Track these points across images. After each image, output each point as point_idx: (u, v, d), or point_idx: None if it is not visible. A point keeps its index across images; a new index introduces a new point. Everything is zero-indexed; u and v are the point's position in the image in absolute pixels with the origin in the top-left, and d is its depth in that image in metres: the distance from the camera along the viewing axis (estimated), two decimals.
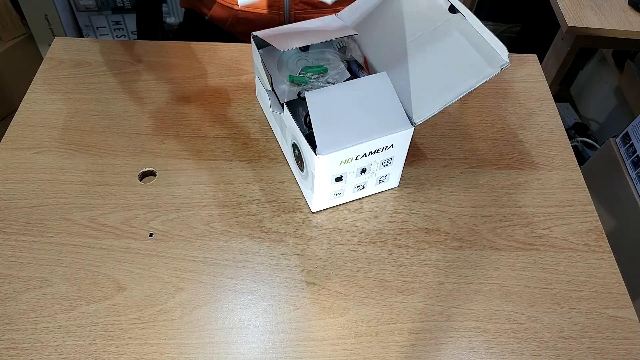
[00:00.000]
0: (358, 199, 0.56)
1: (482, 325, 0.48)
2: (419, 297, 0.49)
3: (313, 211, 0.54)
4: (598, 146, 1.46)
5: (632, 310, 0.49)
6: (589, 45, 1.17)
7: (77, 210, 0.53)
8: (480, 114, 0.65)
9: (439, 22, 0.51)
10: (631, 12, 1.14)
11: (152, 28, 0.89)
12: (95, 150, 0.59)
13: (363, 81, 0.51)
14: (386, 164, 0.53)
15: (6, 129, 0.59)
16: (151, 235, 0.52)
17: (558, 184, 0.59)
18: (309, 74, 0.56)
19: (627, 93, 1.43)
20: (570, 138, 1.51)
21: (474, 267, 0.52)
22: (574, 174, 0.60)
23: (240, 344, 0.46)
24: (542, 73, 0.71)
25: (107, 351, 0.44)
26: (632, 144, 1.06)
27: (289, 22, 0.76)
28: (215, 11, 0.78)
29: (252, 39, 0.56)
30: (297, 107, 0.54)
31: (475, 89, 0.47)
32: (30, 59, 1.49)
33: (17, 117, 0.61)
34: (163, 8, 1.34)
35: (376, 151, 0.50)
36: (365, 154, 0.49)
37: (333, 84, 0.54)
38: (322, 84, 0.55)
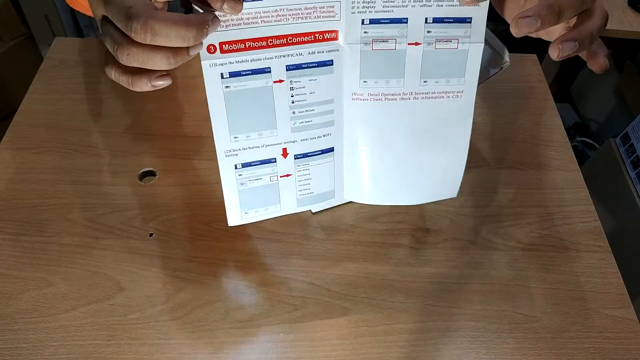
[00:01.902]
0: None
1: (482, 325, 0.48)
2: (419, 297, 0.49)
3: (313, 211, 0.54)
4: (598, 146, 1.46)
5: (632, 310, 0.49)
6: None
7: (77, 210, 0.53)
8: (481, 114, 0.65)
9: None
10: (631, 12, 1.14)
11: None
12: (95, 150, 0.59)
13: None
14: None
15: (6, 129, 0.59)
16: (151, 235, 0.52)
17: (558, 184, 0.59)
18: None
19: (626, 93, 1.43)
20: (570, 138, 1.51)
21: (474, 267, 0.52)
22: (574, 174, 0.60)
23: (240, 344, 0.46)
24: (542, 73, 0.71)
25: (108, 351, 0.44)
26: (632, 144, 1.06)
27: None
28: None
29: None
30: None
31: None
32: (30, 59, 1.49)
33: (17, 117, 0.61)
34: None
35: None
36: None
37: None
38: None
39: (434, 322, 0.48)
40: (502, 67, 0.46)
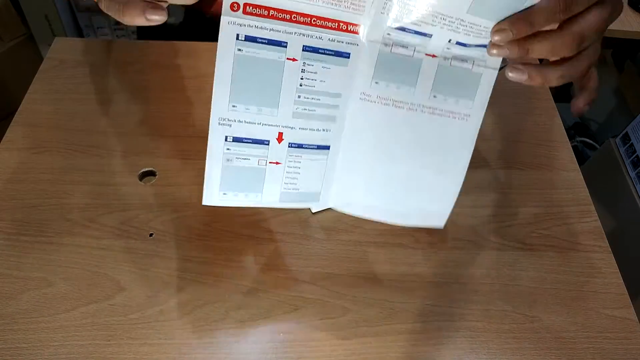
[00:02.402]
0: None
1: (482, 325, 0.48)
2: (419, 297, 0.49)
3: (313, 211, 0.54)
4: (598, 146, 1.46)
5: (632, 310, 0.49)
6: None
7: (77, 210, 0.53)
8: None
9: None
10: (631, 13, 1.14)
11: (152, 28, 0.88)
12: (95, 150, 0.59)
13: None
14: None
15: (6, 129, 0.59)
16: (151, 235, 0.52)
17: (558, 184, 0.59)
18: None
19: (627, 93, 1.43)
20: (570, 138, 1.51)
21: (474, 267, 0.52)
22: (574, 174, 0.60)
23: (240, 344, 0.46)
24: None
25: (108, 351, 0.44)
26: (631, 144, 1.06)
27: None
28: (217, 8, 0.78)
29: None
30: None
31: None
32: (30, 59, 1.49)
33: (17, 117, 0.61)
34: None
35: None
36: None
37: None
38: None
39: (434, 322, 0.48)
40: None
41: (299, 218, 0.54)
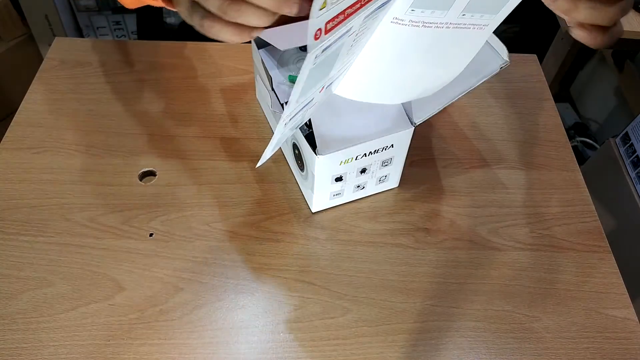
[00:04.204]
0: (358, 199, 0.56)
1: (482, 325, 0.48)
2: (419, 297, 0.49)
3: (313, 211, 0.54)
4: (598, 146, 1.46)
5: (632, 310, 0.49)
6: None
7: (77, 210, 0.53)
8: (480, 114, 0.65)
9: None
10: (631, 12, 1.14)
11: (153, 28, 0.89)
12: (95, 150, 0.59)
13: None
14: (386, 164, 0.53)
15: (6, 129, 0.59)
16: (151, 235, 0.52)
17: (558, 184, 0.59)
18: None
19: (627, 93, 1.43)
20: (570, 138, 1.51)
21: (474, 267, 0.52)
22: (574, 174, 0.60)
23: (240, 344, 0.46)
24: (542, 73, 0.71)
25: (107, 351, 0.44)
26: (631, 144, 1.06)
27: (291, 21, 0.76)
28: None
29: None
30: None
31: (475, 88, 0.47)
32: (30, 59, 1.49)
33: (17, 117, 0.61)
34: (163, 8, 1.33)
35: (376, 151, 0.50)
36: (365, 154, 0.49)
37: None
38: None
39: (434, 322, 0.48)
40: (502, 67, 0.46)
41: (299, 218, 0.54)
